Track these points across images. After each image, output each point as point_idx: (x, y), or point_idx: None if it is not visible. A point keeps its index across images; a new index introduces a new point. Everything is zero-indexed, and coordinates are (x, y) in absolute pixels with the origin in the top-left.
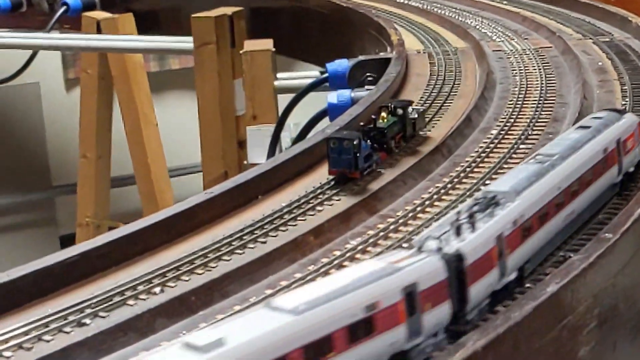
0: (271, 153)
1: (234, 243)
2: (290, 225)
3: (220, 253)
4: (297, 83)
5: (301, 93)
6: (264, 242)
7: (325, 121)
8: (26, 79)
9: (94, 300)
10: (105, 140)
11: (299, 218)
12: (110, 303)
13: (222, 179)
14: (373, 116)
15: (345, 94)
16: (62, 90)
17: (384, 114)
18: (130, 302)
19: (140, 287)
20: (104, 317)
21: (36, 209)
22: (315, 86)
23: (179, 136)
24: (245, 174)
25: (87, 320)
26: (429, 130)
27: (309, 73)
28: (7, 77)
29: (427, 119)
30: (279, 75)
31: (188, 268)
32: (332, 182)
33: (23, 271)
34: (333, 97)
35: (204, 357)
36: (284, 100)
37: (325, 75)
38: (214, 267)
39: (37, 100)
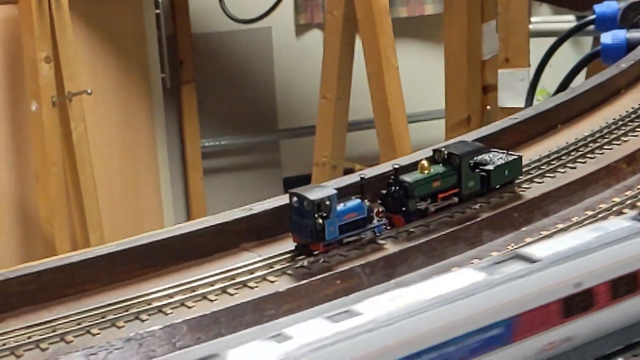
0: (530, 98)
1: (542, 167)
2: (597, 153)
3: (530, 176)
4: (550, 27)
5: (565, 35)
6: (574, 168)
7: None
8: (259, 23)
9: None
10: (345, 81)
11: (605, 147)
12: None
13: (465, 123)
14: (396, 165)
15: (620, 34)
16: (292, 36)
17: (424, 163)
18: (457, 214)
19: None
20: None
21: (263, 151)
22: (580, 28)
23: (407, 84)
24: (545, 103)
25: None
26: (524, 189)
27: (562, 17)
28: (254, 18)
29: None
30: (531, 19)
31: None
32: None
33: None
34: (607, 37)
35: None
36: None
37: (591, 17)
38: (527, 189)
39: (269, 45)
